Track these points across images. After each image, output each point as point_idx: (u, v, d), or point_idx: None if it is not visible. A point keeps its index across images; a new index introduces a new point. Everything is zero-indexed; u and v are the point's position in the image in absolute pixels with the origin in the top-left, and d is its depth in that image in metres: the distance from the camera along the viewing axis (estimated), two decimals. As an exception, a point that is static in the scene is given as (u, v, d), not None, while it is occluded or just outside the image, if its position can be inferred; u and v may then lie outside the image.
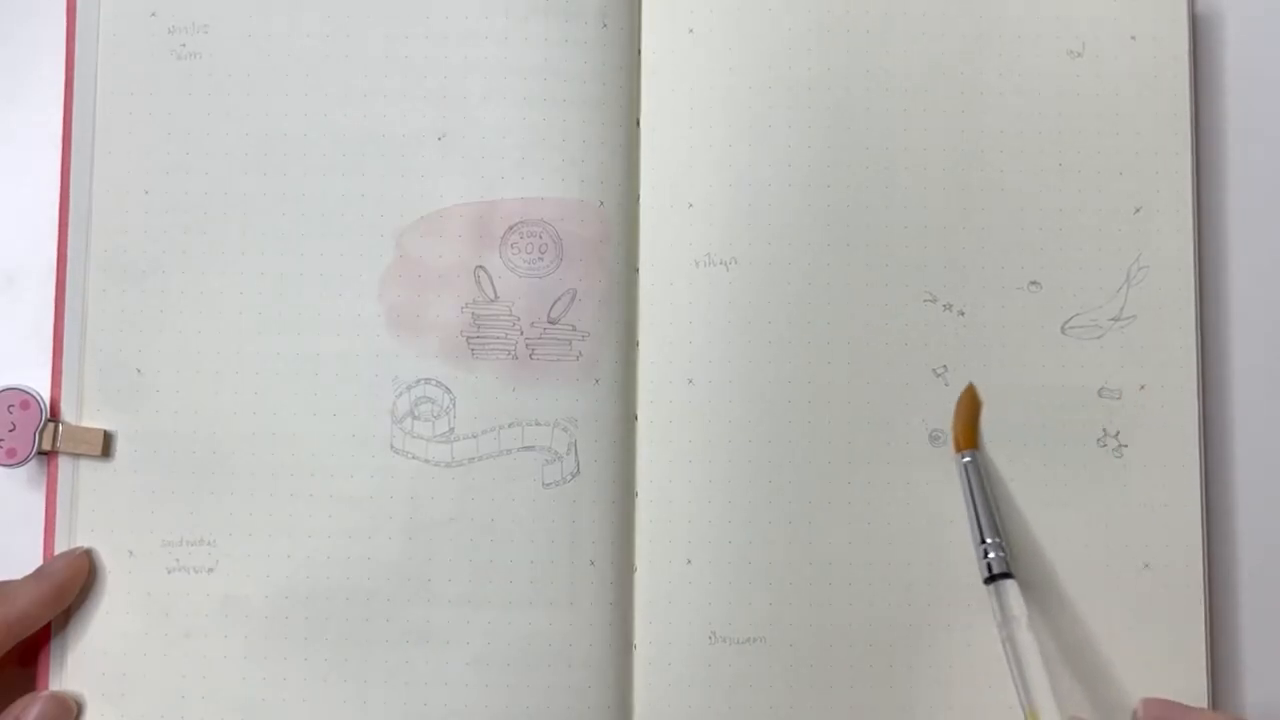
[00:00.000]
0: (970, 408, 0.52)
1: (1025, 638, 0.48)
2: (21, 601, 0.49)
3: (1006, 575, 0.49)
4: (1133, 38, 0.54)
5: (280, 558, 0.51)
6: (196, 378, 0.52)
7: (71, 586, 0.50)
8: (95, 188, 0.53)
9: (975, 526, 0.51)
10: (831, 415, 0.52)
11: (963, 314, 0.53)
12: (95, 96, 0.53)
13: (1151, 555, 0.51)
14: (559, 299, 0.52)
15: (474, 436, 0.52)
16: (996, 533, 0.50)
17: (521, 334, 0.52)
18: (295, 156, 0.53)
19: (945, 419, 0.52)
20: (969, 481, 0.51)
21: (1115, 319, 0.53)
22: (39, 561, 0.51)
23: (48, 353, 0.52)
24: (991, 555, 0.50)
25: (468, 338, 0.52)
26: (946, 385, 0.52)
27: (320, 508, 0.51)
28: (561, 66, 0.53)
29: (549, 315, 0.52)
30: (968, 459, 0.51)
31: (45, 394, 0.52)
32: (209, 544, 0.51)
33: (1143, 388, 0.52)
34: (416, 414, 0.52)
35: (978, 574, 0.51)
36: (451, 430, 0.52)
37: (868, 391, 0.52)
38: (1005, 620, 0.49)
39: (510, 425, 0.52)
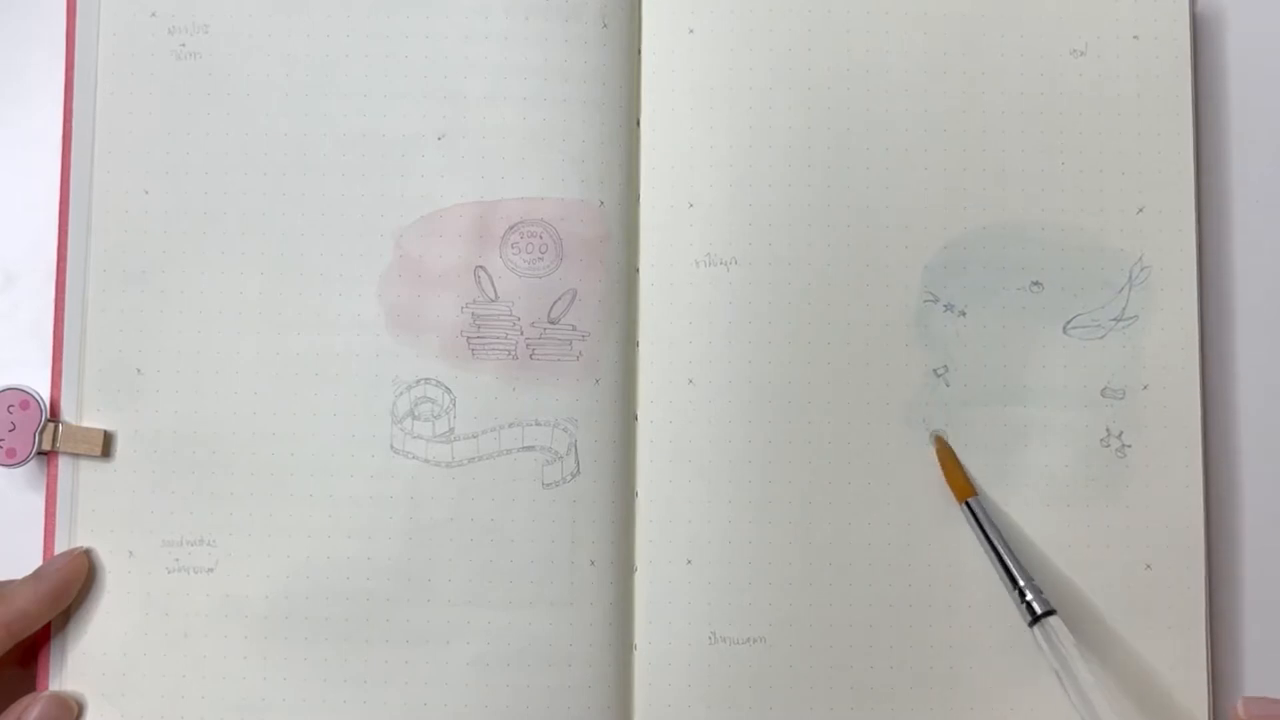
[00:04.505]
0: (950, 456, 0.51)
1: (1084, 671, 0.47)
2: (20, 601, 0.49)
3: (1050, 613, 0.48)
4: (1135, 37, 0.54)
5: (280, 558, 0.51)
6: (196, 378, 0.52)
7: (71, 586, 0.50)
8: (95, 188, 0.53)
9: (1003, 573, 0.49)
10: (832, 416, 0.52)
11: (964, 314, 0.53)
12: (95, 96, 0.53)
13: (1153, 555, 0.51)
14: (559, 299, 0.52)
15: (474, 436, 0.52)
16: (1026, 574, 0.49)
17: (521, 334, 0.52)
18: (295, 156, 0.53)
19: (946, 419, 0.52)
20: (981, 528, 0.50)
21: (1117, 319, 0.53)
22: (39, 561, 0.51)
23: (48, 353, 0.52)
24: (1031, 596, 0.49)
25: (468, 338, 0.52)
26: (947, 385, 0.52)
27: (320, 508, 0.51)
28: (561, 66, 0.53)
29: (549, 315, 0.52)
30: (973, 505, 0.50)
31: (45, 394, 0.52)
32: (209, 544, 0.51)
33: (1146, 388, 0.52)
34: (416, 414, 0.52)
35: (977, 573, 0.51)
36: (451, 430, 0.52)
37: (868, 392, 0.52)
38: (1058, 656, 0.48)
39: (510, 425, 0.52)
